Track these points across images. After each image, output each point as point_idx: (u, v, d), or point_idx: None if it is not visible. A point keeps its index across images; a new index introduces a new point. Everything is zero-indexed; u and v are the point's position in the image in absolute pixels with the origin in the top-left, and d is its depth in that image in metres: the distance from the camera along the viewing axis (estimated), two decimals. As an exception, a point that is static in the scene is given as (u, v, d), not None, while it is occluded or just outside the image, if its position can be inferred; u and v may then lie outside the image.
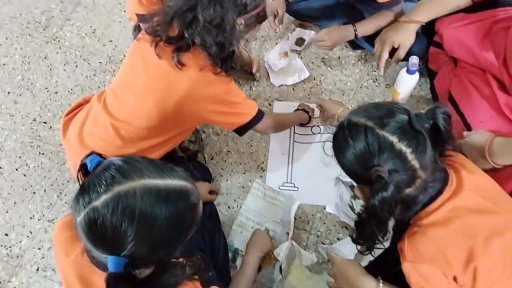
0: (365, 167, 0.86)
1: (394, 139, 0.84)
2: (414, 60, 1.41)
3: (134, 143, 1.21)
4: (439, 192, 0.91)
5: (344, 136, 0.90)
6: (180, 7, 1.10)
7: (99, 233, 0.69)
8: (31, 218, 1.43)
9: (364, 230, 0.96)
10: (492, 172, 1.21)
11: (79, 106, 1.32)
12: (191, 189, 0.76)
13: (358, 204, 1.36)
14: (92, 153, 0.77)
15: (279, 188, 1.45)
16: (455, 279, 0.90)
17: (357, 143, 0.87)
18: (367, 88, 1.64)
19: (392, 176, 0.84)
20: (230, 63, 1.17)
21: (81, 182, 0.76)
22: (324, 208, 1.39)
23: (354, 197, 1.37)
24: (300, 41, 1.74)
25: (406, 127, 0.85)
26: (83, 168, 0.77)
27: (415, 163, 0.84)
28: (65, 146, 1.29)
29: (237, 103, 1.24)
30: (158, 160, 0.83)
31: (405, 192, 0.88)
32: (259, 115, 1.29)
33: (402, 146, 0.83)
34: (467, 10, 1.47)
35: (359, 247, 1.03)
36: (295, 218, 1.38)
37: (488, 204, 0.93)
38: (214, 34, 1.10)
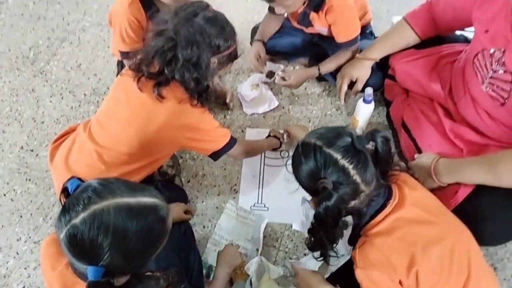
0: (314, 181, 1.01)
1: (338, 156, 0.98)
2: (369, 91, 1.58)
3: (116, 168, 1.33)
4: (384, 206, 1.05)
5: (298, 154, 1.05)
6: (161, 47, 1.24)
7: (78, 246, 0.79)
8: (18, 240, 1.52)
9: (316, 238, 1.10)
10: (439, 189, 1.37)
11: (66, 134, 1.44)
12: (160, 204, 0.87)
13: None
14: (72, 177, 0.89)
15: (250, 208, 1.58)
16: (401, 283, 1.03)
17: (308, 159, 1.01)
18: (331, 116, 1.81)
19: (336, 188, 0.98)
20: (205, 96, 1.31)
21: (63, 203, 0.86)
22: (291, 226, 1.52)
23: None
24: (270, 74, 1.90)
25: (349, 147, 0.99)
26: (64, 191, 0.87)
27: (357, 178, 0.98)
28: (52, 172, 1.40)
29: (211, 131, 1.38)
30: (131, 181, 0.93)
31: (350, 204, 1.02)
32: (232, 142, 1.42)
33: (345, 162, 0.98)
34: (416, 46, 1.65)
35: (316, 254, 1.16)
36: (264, 236, 1.51)
37: (427, 216, 1.07)
38: (191, 71, 1.24)
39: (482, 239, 1.29)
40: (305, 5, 1.62)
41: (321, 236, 1.08)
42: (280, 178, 1.66)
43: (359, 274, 1.06)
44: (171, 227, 1.30)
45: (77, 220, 0.79)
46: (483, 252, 1.47)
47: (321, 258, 1.15)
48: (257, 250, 1.46)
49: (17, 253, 1.49)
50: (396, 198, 1.06)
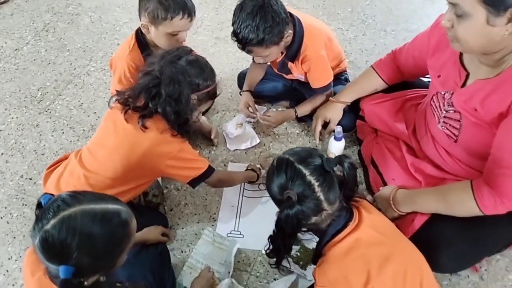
0: (282, 192, 1.11)
1: (307, 172, 1.08)
2: (338, 129, 1.73)
3: (101, 191, 1.46)
4: (344, 226, 1.14)
5: (272, 167, 1.16)
6: (147, 84, 1.41)
7: (50, 249, 0.90)
8: (9, 258, 1.63)
9: (274, 245, 1.20)
10: (398, 219, 1.48)
11: (60, 161, 1.59)
12: (123, 210, 0.99)
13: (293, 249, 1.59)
14: (45, 193, 1.02)
15: (227, 235, 1.68)
16: None
17: (280, 172, 1.12)
18: (308, 153, 1.95)
19: (300, 201, 1.07)
20: (185, 128, 1.46)
21: (35, 213, 0.99)
22: (264, 252, 1.61)
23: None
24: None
25: (318, 167, 1.10)
26: (39, 206, 0.99)
27: (321, 195, 1.08)
28: (44, 192, 1.54)
29: (190, 159, 1.52)
30: (98, 192, 1.06)
31: (311, 220, 1.12)
32: (209, 170, 1.56)
33: (311, 179, 1.08)
34: (384, 91, 1.81)
35: (272, 261, 1.27)
36: (238, 261, 1.60)
37: (382, 237, 1.16)
38: (173, 105, 1.40)
39: (437, 266, 1.39)
40: (283, 55, 1.81)
41: (278, 243, 1.19)
42: (257, 209, 1.77)
43: None
44: (148, 247, 1.43)
45: (48, 226, 0.90)
46: (446, 282, 1.54)
47: (275, 265, 1.25)
48: (229, 272, 1.55)
49: (7, 271, 1.60)
50: (355, 220, 1.15)
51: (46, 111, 2.19)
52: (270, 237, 1.23)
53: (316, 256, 1.23)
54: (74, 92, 2.28)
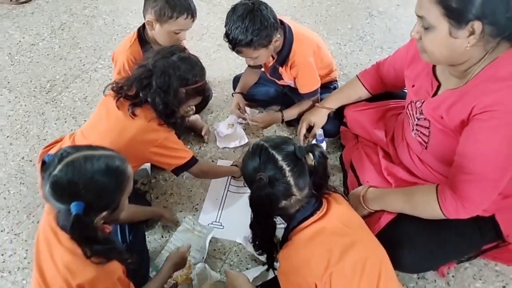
0: (255, 174, 1.16)
1: (279, 157, 1.15)
2: (319, 132, 1.82)
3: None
4: (311, 214, 1.19)
5: (248, 152, 1.24)
6: (139, 75, 1.53)
7: (60, 189, 1.04)
8: (1, 231, 1.75)
9: (254, 231, 1.28)
10: (368, 216, 1.54)
11: (56, 143, 1.70)
12: (118, 155, 1.14)
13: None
14: (48, 154, 1.14)
15: (208, 225, 1.77)
16: (316, 286, 1.15)
17: (254, 156, 1.19)
18: (293, 155, 2.03)
19: (271, 183, 1.14)
20: (172, 118, 1.57)
21: (40, 173, 1.11)
22: (240, 243, 1.69)
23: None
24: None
25: (291, 153, 1.16)
26: (43, 164, 1.12)
27: (291, 180, 1.14)
28: (38, 172, 1.65)
29: (174, 149, 1.62)
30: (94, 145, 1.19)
31: (281, 204, 1.18)
32: (192, 160, 1.66)
33: (283, 164, 1.14)
34: (368, 100, 1.90)
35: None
36: (214, 249, 1.68)
37: (345, 228, 1.20)
38: (162, 96, 1.51)
39: (400, 264, 1.43)
40: (274, 60, 1.92)
41: (256, 228, 1.27)
42: (239, 203, 1.85)
43: (280, 278, 1.21)
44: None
45: (55, 171, 1.04)
46: (413, 284, 1.58)
47: (259, 252, 1.34)
48: (203, 258, 1.63)
49: (-2, 242, 1.72)
50: (323, 210, 1.20)
51: (52, 101, 2.33)
52: (250, 225, 1.30)
53: (283, 241, 1.29)
54: (80, 86, 2.43)
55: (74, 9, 3.07)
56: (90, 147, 1.14)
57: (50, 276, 1.13)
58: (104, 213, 1.11)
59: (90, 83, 2.44)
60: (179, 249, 1.55)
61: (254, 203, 1.20)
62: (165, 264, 1.48)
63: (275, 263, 1.52)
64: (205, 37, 2.77)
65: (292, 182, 1.15)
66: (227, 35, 1.72)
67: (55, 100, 2.34)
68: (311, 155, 1.19)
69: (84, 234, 1.06)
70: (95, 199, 1.06)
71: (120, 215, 1.20)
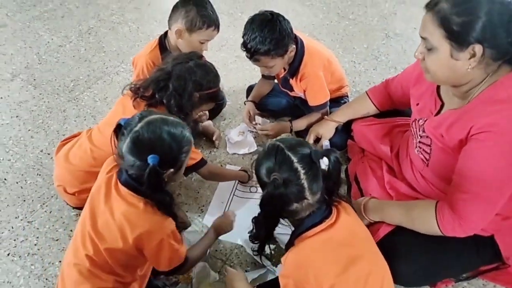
0: (269, 176, 1.17)
1: (294, 159, 1.15)
2: (326, 143, 1.88)
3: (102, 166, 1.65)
4: (320, 222, 1.19)
5: (263, 152, 1.24)
6: (157, 77, 1.62)
7: (140, 144, 1.17)
8: (16, 217, 1.84)
9: (257, 227, 1.33)
10: (369, 226, 1.57)
11: (73, 137, 1.80)
12: (186, 124, 1.29)
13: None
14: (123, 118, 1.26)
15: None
16: None
17: (270, 156, 1.19)
18: (299, 166, 2.08)
19: (285, 184, 1.14)
20: (184, 121, 1.64)
21: (114, 136, 1.25)
22: (242, 246, 1.74)
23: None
24: (256, 125, 2.24)
25: (306, 156, 1.16)
26: (119, 127, 1.24)
27: (305, 182, 1.14)
28: (55, 161, 1.75)
29: None
30: None
31: (293, 206, 1.19)
32: (202, 161, 1.72)
33: (298, 166, 1.14)
34: (376, 116, 1.95)
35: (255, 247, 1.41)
36: (216, 250, 1.73)
37: (352, 239, 1.21)
38: (177, 99, 1.59)
39: (396, 276, 1.44)
40: (285, 71, 2.00)
41: (260, 224, 1.31)
42: (244, 208, 1.90)
43: (282, 279, 1.22)
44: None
45: (137, 128, 1.19)
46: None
47: (256, 252, 1.41)
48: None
49: (12, 227, 1.80)
50: (333, 219, 1.20)
51: (74, 100, 2.44)
52: (254, 218, 1.34)
53: (288, 245, 1.32)
54: (102, 87, 2.54)
55: (102, 15, 3.22)
56: (163, 113, 1.30)
57: (102, 223, 1.25)
58: (171, 171, 1.24)
59: (111, 85, 2.55)
60: (225, 213, 1.65)
61: (265, 203, 1.20)
62: (211, 228, 1.58)
63: (278, 266, 1.57)
64: (224, 48, 2.87)
65: (306, 185, 1.15)
66: (245, 44, 1.80)
67: (76, 99, 2.45)
68: (325, 159, 1.18)
69: (156, 184, 1.19)
70: (166, 156, 1.19)
71: (179, 178, 1.34)
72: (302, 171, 1.14)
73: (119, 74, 2.64)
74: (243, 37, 1.81)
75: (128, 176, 1.24)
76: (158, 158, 1.15)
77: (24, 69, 2.67)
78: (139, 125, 1.19)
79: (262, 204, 1.23)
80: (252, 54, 1.80)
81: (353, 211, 1.31)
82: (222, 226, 1.61)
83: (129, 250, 1.25)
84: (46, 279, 1.63)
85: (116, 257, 1.26)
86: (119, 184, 1.26)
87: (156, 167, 1.15)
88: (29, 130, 2.25)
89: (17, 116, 2.33)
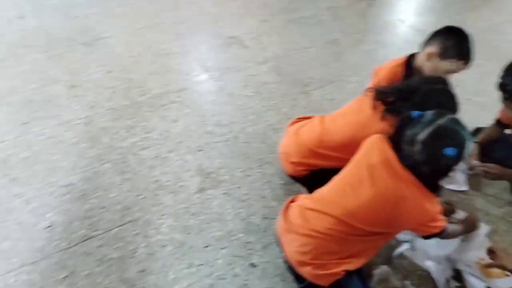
0: None
1: None
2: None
3: (323, 149, 1.82)
4: None
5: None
6: (403, 87, 1.70)
7: (442, 134, 1.32)
8: (237, 168, 2.19)
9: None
10: None
11: (306, 118, 2.04)
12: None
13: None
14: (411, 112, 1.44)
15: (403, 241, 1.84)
16: None
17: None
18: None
19: None
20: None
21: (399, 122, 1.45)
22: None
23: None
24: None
25: None
26: (406, 119, 1.42)
27: None
28: (286, 132, 2.02)
29: None
30: None
31: None
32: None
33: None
34: None
35: None
36: (399, 263, 1.75)
37: None
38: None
39: None
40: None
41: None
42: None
43: None
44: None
45: (441, 121, 1.34)
46: None
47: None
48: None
49: (232, 175, 2.16)
50: None
51: (306, 93, 2.76)
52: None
53: None
54: (332, 90, 2.81)
55: (347, 31, 3.52)
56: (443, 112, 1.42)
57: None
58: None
59: (341, 90, 2.79)
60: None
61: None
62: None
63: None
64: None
65: None
66: (503, 86, 1.76)
67: (308, 93, 2.76)
68: None
69: (445, 170, 1.36)
70: (457, 154, 1.31)
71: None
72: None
73: (350, 83, 2.86)
74: (501, 78, 1.77)
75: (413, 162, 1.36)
76: (456, 151, 1.28)
77: (274, 58, 3.12)
78: (442, 119, 1.33)
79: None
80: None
81: None
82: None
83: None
84: (249, 222, 1.94)
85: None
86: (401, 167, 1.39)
87: (454, 157, 1.28)
88: (263, 106, 2.63)
89: (259, 92, 2.76)
